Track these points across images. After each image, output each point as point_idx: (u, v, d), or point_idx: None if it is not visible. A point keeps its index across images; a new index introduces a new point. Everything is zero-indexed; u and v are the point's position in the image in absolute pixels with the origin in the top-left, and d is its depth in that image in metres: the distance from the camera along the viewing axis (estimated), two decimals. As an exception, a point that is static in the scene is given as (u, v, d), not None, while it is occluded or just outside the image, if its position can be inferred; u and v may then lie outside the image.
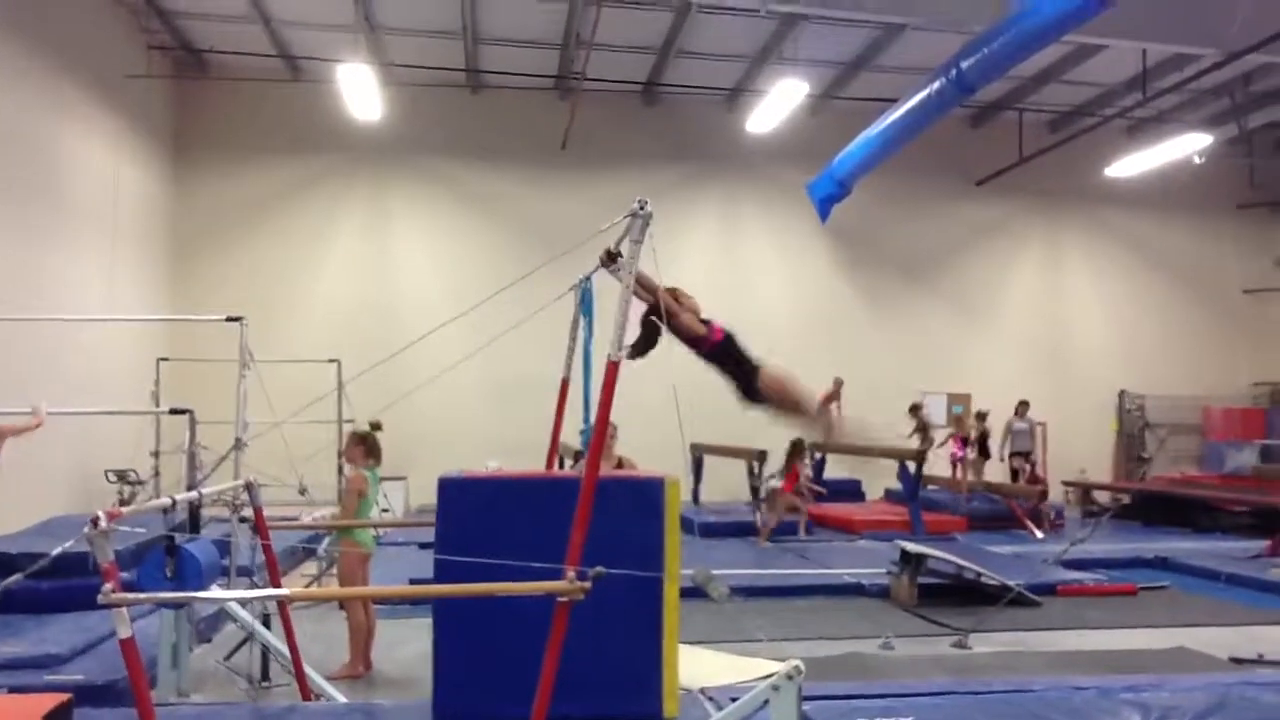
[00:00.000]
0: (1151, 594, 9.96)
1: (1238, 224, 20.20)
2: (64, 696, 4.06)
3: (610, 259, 4.27)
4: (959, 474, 15.83)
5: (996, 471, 16.17)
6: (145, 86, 14.87)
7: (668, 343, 4.85)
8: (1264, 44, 11.63)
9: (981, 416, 16.08)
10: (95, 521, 3.53)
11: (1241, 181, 19.63)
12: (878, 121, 12.81)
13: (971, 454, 15.79)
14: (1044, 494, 14.61)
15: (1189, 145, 16.04)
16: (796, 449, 13.00)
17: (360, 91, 14.20)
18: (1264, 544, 12.21)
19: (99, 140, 13.52)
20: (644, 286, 4.42)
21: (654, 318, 4.61)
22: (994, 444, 16.01)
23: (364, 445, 7.20)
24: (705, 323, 4.85)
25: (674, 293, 4.74)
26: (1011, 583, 8.96)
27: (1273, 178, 19.69)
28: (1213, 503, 15.19)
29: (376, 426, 7.33)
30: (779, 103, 15.03)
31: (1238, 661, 7.17)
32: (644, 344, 4.77)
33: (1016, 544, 12.89)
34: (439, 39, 15.48)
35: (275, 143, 16.83)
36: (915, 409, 15.90)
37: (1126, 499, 17.14)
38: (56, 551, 4.30)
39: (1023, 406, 16.16)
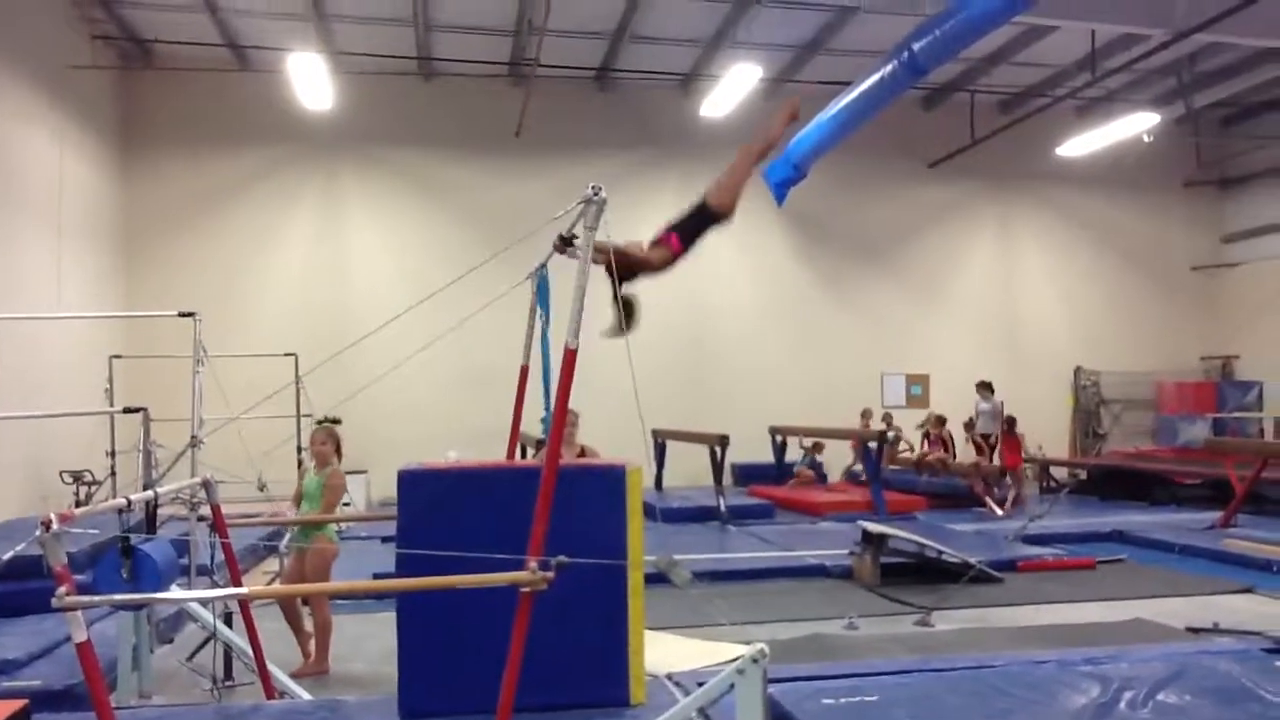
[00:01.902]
0: (1109, 567, 10.12)
1: (1185, 202, 20.52)
2: (20, 703, 3.99)
3: (565, 243, 4.29)
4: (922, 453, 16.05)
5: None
6: (89, 78, 14.57)
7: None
8: (1209, 23, 11.79)
9: (941, 421, 16.23)
10: (46, 524, 3.47)
11: (1188, 160, 19.88)
12: (832, 105, 12.85)
13: (935, 451, 15.98)
14: (1002, 472, 14.77)
15: (1138, 124, 16.27)
16: (1011, 423, 14.76)
17: (311, 81, 14.02)
18: (1217, 515, 12.43)
19: (41, 134, 13.23)
20: (599, 251, 4.45)
21: (622, 291, 4.73)
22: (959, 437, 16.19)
23: (336, 441, 7.11)
24: (659, 243, 5.04)
25: (622, 250, 4.77)
26: (972, 560, 9.08)
27: (1219, 156, 20.01)
28: (1167, 476, 15.45)
29: (336, 421, 7.24)
30: (733, 87, 15.03)
31: (1194, 631, 7.29)
32: (627, 319, 4.91)
33: (977, 522, 13.05)
34: (390, 26, 15.31)
35: (225, 134, 16.58)
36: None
37: (1083, 474, 17.39)
38: (8, 556, 4.22)
39: (984, 388, 16.08)
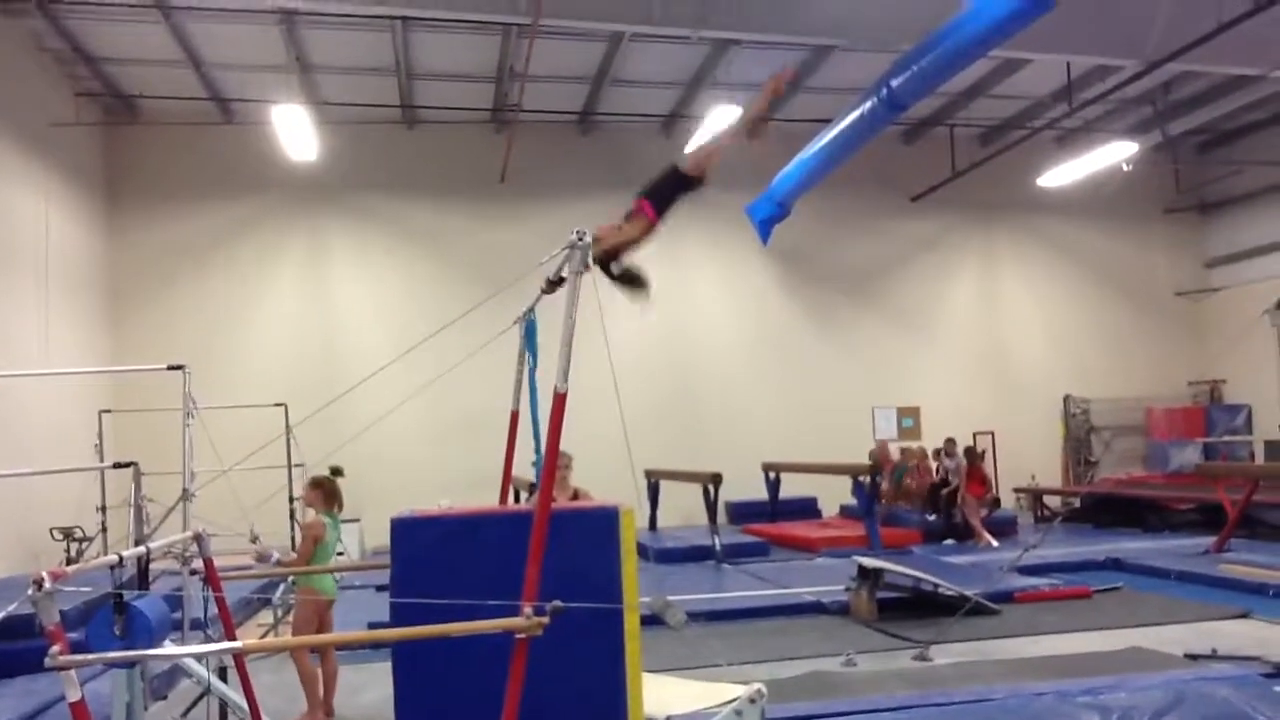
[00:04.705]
0: (1105, 595, 10.11)
1: (1167, 228, 20.70)
2: (13, 765, 3.94)
3: (552, 287, 4.32)
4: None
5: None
6: (74, 134, 14.65)
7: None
8: (1180, 53, 11.98)
9: (925, 453, 16.39)
10: (39, 583, 3.45)
11: (1168, 187, 20.11)
12: (813, 142, 12.96)
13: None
14: (997, 502, 14.78)
15: (1116, 153, 16.45)
16: (972, 454, 14.79)
17: (295, 131, 14.10)
18: (1211, 540, 12.43)
19: (26, 190, 13.26)
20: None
21: (612, 267, 4.79)
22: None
23: (322, 490, 7.05)
24: (634, 214, 4.93)
25: (598, 237, 4.69)
26: (969, 592, 9.05)
27: (1198, 182, 20.23)
28: (1160, 502, 15.47)
29: (337, 472, 7.21)
30: (714, 127, 15.15)
31: (1192, 658, 7.27)
32: (635, 285, 4.87)
33: (973, 554, 13.03)
34: (372, 75, 15.45)
35: (210, 186, 16.63)
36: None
37: (1076, 502, 17.39)
38: (0, 616, 4.19)
39: (950, 444, 15.47)
